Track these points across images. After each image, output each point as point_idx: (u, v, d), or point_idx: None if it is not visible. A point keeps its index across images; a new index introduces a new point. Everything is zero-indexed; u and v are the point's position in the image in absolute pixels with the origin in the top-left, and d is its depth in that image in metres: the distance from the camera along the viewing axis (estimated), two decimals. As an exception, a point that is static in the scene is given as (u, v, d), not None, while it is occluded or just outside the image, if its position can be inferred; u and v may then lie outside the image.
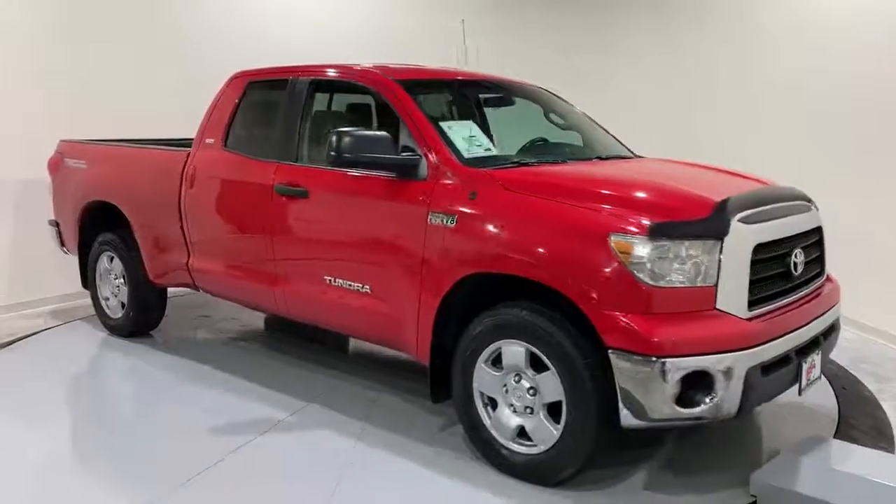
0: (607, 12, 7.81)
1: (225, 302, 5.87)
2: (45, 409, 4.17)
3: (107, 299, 5.47)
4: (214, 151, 4.57)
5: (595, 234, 2.95)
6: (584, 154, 4.14)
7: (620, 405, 2.91)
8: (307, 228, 4.04)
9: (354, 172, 3.75)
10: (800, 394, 3.28)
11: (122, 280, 5.31)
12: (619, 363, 2.87)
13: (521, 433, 3.27)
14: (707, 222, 2.97)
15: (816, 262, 3.55)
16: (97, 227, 5.48)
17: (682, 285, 2.91)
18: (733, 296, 2.97)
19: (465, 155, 3.55)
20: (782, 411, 4.04)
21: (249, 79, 4.60)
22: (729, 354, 2.86)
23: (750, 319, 3.00)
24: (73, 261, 5.75)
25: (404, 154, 3.58)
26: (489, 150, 3.70)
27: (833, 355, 3.76)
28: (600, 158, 4.08)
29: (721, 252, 2.94)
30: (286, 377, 4.56)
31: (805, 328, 3.25)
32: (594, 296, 2.92)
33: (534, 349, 3.13)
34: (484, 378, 3.34)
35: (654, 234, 2.88)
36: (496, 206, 3.27)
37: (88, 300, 5.71)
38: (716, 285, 2.94)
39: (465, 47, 3.69)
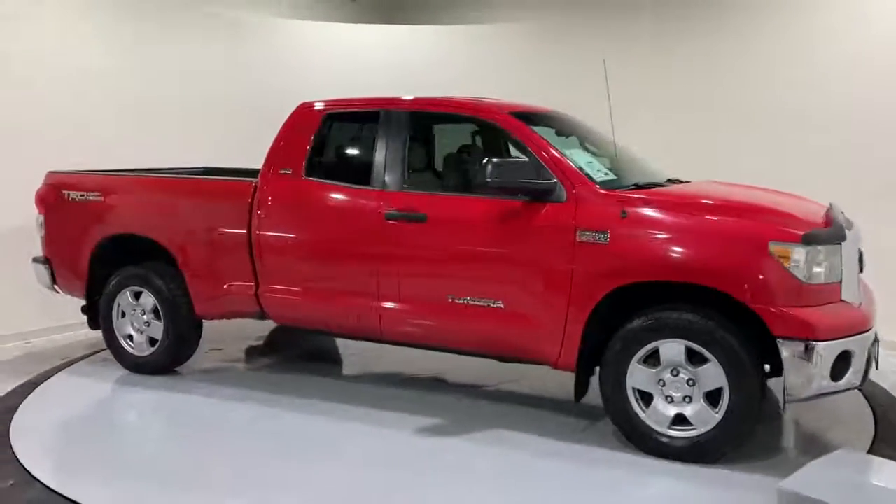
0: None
1: (233, 333, 5.97)
2: (96, 456, 3.98)
3: (129, 337, 5.19)
4: (293, 180, 4.59)
5: (757, 243, 3.53)
6: (657, 178, 4.63)
7: (786, 384, 3.49)
8: (427, 251, 4.22)
9: (482, 196, 4.05)
10: (876, 367, 4.06)
11: (152, 315, 5.09)
12: (785, 349, 3.46)
13: (675, 421, 3.74)
14: (833, 230, 3.66)
15: None
16: (111, 263, 5.22)
17: (822, 282, 3.57)
18: (851, 289, 3.70)
19: (598, 179, 3.99)
20: (816, 426, 4.33)
21: (326, 110, 4.68)
22: (860, 336, 3.59)
23: (860, 307, 3.73)
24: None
25: (545, 179, 3.94)
26: (608, 174, 4.16)
27: (875, 378, 4.13)
28: (670, 181, 4.66)
29: (842, 254, 3.64)
30: (336, 396, 4.71)
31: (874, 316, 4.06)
32: (760, 294, 3.49)
33: (694, 345, 3.63)
34: (638, 376, 3.77)
35: (806, 240, 3.52)
36: (649, 222, 3.74)
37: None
38: (840, 281, 3.64)
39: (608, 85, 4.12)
